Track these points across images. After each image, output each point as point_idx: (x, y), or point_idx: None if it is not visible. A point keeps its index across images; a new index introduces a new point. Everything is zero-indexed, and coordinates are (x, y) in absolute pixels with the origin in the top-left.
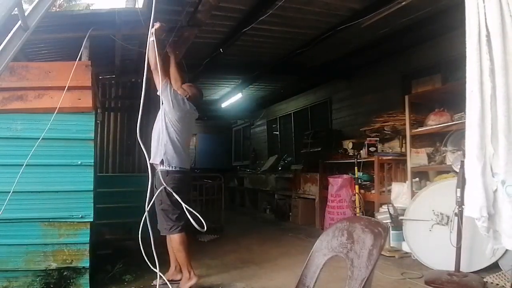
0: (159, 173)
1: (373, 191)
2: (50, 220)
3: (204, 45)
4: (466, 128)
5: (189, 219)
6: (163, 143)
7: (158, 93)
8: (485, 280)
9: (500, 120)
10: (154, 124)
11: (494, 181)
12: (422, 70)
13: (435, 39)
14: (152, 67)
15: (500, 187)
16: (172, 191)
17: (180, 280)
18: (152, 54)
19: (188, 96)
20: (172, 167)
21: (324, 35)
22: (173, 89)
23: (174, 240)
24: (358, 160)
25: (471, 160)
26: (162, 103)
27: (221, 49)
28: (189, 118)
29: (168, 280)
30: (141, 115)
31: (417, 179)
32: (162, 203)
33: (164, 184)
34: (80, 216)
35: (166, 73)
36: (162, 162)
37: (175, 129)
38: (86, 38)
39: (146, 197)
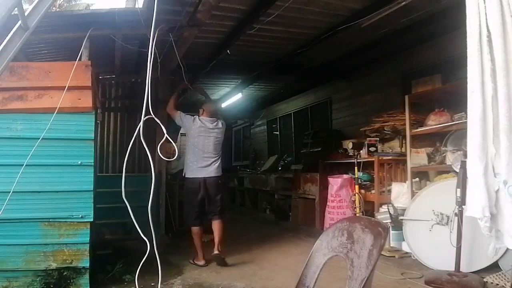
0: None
1: (373, 191)
2: (50, 220)
3: (204, 45)
4: (468, 128)
5: (203, 215)
6: (185, 160)
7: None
8: (485, 280)
9: (502, 121)
10: None
11: (496, 181)
12: (422, 70)
13: (435, 39)
14: (168, 109)
15: (502, 187)
16: (187, 192)
17: (217, 254)
18: (172, 102)
19: (202, 113)
20: (185, 176)
21: (324, 35)
22: (181, 115)
23: (191, 231)
24: (358, 160)
25: (473, 161)
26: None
27: (228, 51)
28: (206, 130)
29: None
30: (143, 116)
31: (417, 179)
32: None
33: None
34: (80, 216)
35: (176, 108)
36: (184, 175)
37: (191, 150)
38: (86, 38)
39: (150, 197)
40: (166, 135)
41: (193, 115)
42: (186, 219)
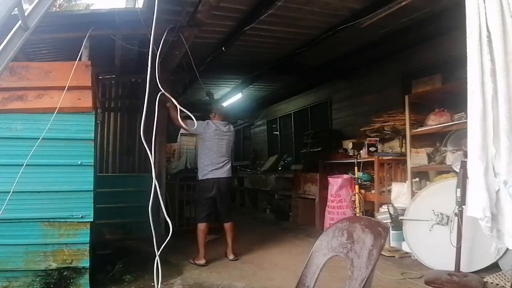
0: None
1: (373, 191)
2: (50, 220)
3: (204, 45)
4: (468, 129)
5: (215, 214)
6: (198, 163)
7: (191, 132)
8: (485, 280)
9: (502, 121)
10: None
11: (497, 181)
12: (422, 70)
13: (435, 39)
14: (176, 122)
15: (503, 187)
16: (200, 192)
17: (232, 259)
18: (174, 115)
19: (214, 116)
20: (199, 178)
21: (324, 35)
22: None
23: (198, 227)
24: (358, 160)
25: (473, 161)
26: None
27: (223, 48)
28: (220, 133)
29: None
30: (145, 116)
31: (417, 179)
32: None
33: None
34: (80, 216)
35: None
36: (198, 178)
37: (205, 153)
38: (86, 38)
39: (150, 197)
40: (178, 105)
41: (205, 120)
42: (197, 216)
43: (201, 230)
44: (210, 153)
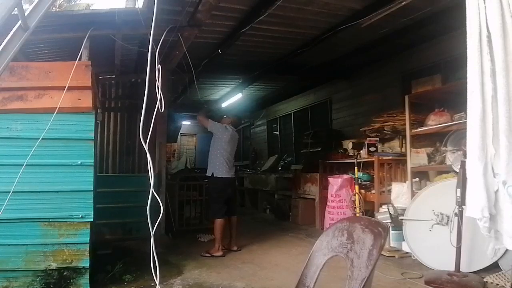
0: (210, 178)
1: (373, 191)
2: (50, 220)
3: (204, 45)
4: (467, 128)
5: (228, 209)
6: (212, 160)
7: (208, 130)
8: (485, 280)
9: (501, 121)
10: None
11: (496, 182)
12: (422, 70)
13: (435, 39)
14: (200, 118)
15: (502, 188)
16: (214, 189)
17: (235, 250)
18: (204, 113)
19: (230, 122)
20: (215, 175)
21: (324, 35)
22: (213, 123)
23: (215, 223)
24: (358, 160)
25: (472, 161)
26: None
27: (219, 50)
28: (233, 138)
29: (226, 248)
30: (143, 116)
31: (417, 179)
32: (209, 197)
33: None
34: (80, 216)
35: (207, 119)
36: (212, 174)
37: (219, 153)
38: (86, 38)
39: (149, 197)
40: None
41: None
42: (214, 213)
43: (221, 225)
44: (224, 153)
